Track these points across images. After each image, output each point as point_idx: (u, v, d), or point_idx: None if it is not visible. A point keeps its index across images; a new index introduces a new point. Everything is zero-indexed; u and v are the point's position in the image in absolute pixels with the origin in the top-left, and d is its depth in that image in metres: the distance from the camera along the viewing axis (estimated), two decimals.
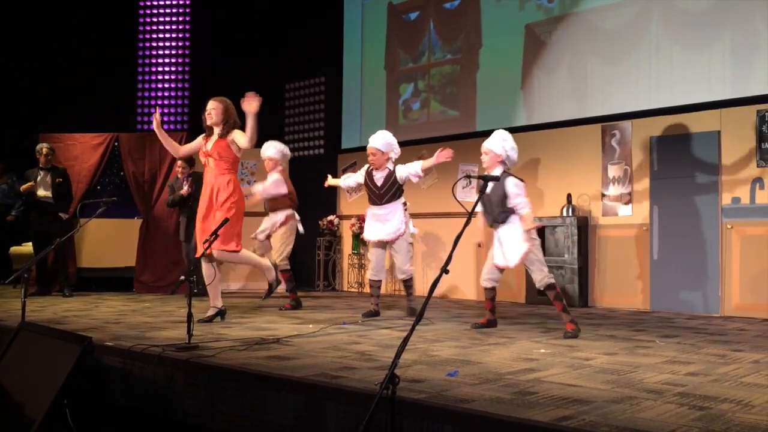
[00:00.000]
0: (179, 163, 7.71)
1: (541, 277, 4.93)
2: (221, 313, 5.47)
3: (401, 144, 9.04)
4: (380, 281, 6.04)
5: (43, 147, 7.87)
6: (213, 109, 5.38)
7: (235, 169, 5.46)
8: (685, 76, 6.71)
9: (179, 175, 7.78)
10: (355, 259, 9.24)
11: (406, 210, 6.07)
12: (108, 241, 8.38)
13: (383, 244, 5.94)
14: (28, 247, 9.01)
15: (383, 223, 5.89)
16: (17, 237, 9.21)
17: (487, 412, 2.55)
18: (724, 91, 6.47)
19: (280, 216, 6.62)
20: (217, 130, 5.37)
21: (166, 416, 3.66)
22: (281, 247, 6.59)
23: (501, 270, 5.22)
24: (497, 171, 5.08)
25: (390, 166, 5.92)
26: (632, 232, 6.96)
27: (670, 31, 6.83)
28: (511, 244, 5.00)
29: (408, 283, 6.03)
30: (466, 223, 3.15)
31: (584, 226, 7.19)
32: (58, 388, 3.23)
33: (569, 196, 7.30)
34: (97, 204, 7.19)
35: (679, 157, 6.68)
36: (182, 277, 4.30)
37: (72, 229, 7.95)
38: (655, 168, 6.84)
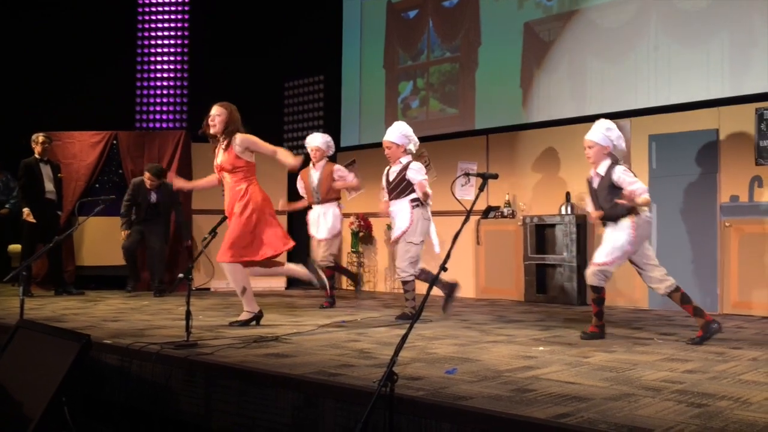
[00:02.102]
0: (147, 175, 7.63)
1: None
2: (257, 318, 5.11)
3: None
4: (410, 281, 5.56)
5: (39, 136, 7.57)
6: (217, 116, 5.01)
7: (251, 175, 5.07)
8: (683, 75, 6.71)
9: (148, 186, 7.66)
10: (354, 257, 9.24)
11: (423, 206, 5.55)
12: (107, 239, 8.37)
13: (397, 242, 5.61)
14: None
15: (395, 219, 5.60)
16: (16, 235, 9.20)
17: (485, 410, 2.55)
18: (723, 89, 6.47)
19: (335, 209, 6.65)
20: (221, 140, 5.05)
21: (164, 414, 3.67)
22: (334, 243, 6.68)
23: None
24: (604, 165, 4.55)
25: (405, 159, 5.62)
26: None
27: (669, 29, 6.83)
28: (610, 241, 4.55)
29: (405, 287, 5.62)
30: (465, 221, 3.16)
31: (583, 225, 7.19)
32: (56, 386, 3.23)
33: (568, 194, 7.31)
34: (96, 202, 7.19)
35: (677, 156, 6.68)
36: (180, 275, 4.30)
37: (66, 226, 7.97)
38: (654, 166, 6.84)
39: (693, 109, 6.62)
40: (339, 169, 6.79)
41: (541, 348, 4.11)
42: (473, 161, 8.20)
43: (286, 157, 4.97)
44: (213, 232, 4.66)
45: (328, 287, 6.37)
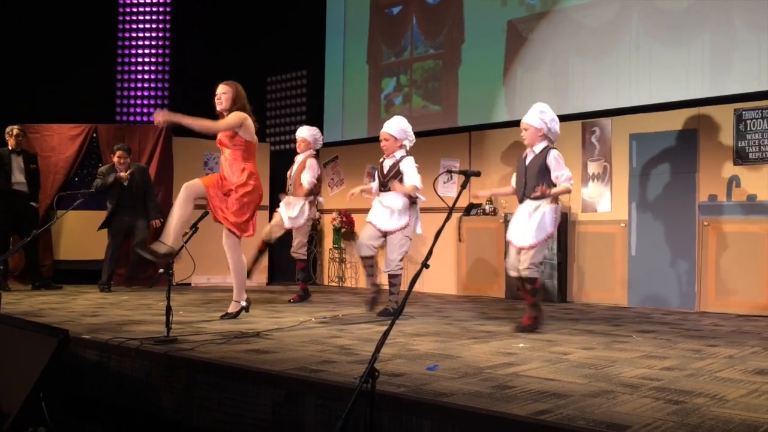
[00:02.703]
0: (119, 153, 7.45)
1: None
2: (246, 308, 5.24)
3: None
4: (372, 257, 5.64)
5: (13, 128, 7.47)
6: (223, 94, 5.07)
7: (250, 156, 5.11)
8: (664, 75, 6.77)
9: (117, 165, 7.46)
10: (336, 253, 9.23)
11: (414, 204, 5.65)
12: (85, 233, 8.27)
13: (381, 231, 5.62)
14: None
15: (384, 210, 5.59)
16: None
17: (465, 406, 2.56)
18: (703, 89, 6.54)
19: (304, 203, 6.56)
20: (225, 115, 5.07)
21: (144, 410, 3.64)
22: (303, 236, 6.68)
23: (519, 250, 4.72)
24: (540, 146, 4.78)
25: (399, 154, 5.65)
26: (611, 229, 7.02)
27: (650, 29, 6.89)
28: (534, 224, 4.66)
29: (392, 281, 5.65)
30: (447, 218, 3.16)
31: (564, 222, 7.24)
32: (33, 382, 3.19)
33: None
34: (75, 195, 7.09)
35: (657, 155, 6.75)
36: (161, 270, 4.27)
37: (45, 220, 7.86)
38: (634, 165, 6.91)
39: (673, 108, 6.69)
40: (309, 169, 6.64)
41: (521, 345, 4.13)
42: (456, 158, 8.23)
43: (212, 125, 4.99)
44: (194, 227, 4.62)
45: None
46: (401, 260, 5.57)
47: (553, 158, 4.73)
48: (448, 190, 8.00)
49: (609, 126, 7.12)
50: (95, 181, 7.55)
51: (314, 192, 6.69)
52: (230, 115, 5.02)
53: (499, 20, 8.01)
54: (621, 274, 6.91)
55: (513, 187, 4.99)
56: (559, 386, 2.94)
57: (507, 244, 5.00)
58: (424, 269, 2.92)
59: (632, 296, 6.82)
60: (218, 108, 5.12)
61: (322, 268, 9.53)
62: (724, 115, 6.38)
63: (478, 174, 3.61)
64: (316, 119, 9.80)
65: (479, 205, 7.86)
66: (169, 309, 3.98)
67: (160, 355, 3.64)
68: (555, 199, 4.77)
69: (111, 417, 3.78)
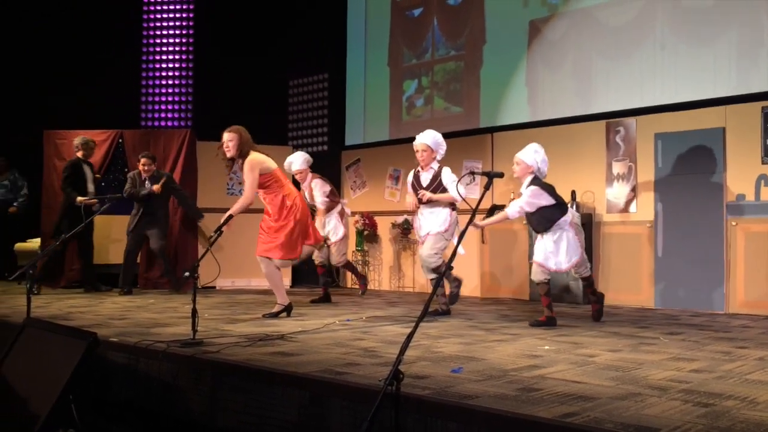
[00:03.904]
0: (143, 161, 7.63)
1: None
2: (287, 309, 5.61)
3: (405, 141, 9.02)
4: (439, 265, 5.73)
5: (85, 138, 7.79)
6: (230, 141, 5.40)
7: (279, 185, 5.50)
8: (689, 73, 6.69)
9: (143, 173, 7.65)
10: (359, 255, 9.24)
11: (455, 209, 5.84)
12: (113, 237, 8.39)
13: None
14: (33, 243, 9.04)
15: (426, 220, 5.82)
16: (23, 233, 9.25)
17: (491, 409, 2.55)
18: (729, 87, 6.44)
19: (333, 217, 7.11)
20: (238, 161, 5.45)
21: (170, 412, 3.68)
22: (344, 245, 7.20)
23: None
24: (527, 181, 5.28)
25: (435, 165, 5.86)
26: (636, 229, 6.95)
27: (675, 27, 6.81)
28: (562, 250, 5.25)
29: (439, 273, 5.65)
30: (470, 220, 3.15)
31: (588, 223, 7.18)
32: (63, 384, 3.24)
33: (573, 192, 7.28)
34: (102, 200, 7.20)
35: (683, 154, 6.67)
36: (186, 273, 4.31)
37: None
38: (660, 165, 6.82)
39: (699, 107, 6.60)
40: (317, 190, 7.09)
41: (546, 347, 4.10)
42: (478, 160, 8.20)
43: (241, 207, 5.35)
44: (218, 231, 4.67)
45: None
46: (436, 254, 5.68)
47: (524, 190, 5.25)
48: (471, 191, 7.98)
49: (634, 125, 7.04)
50: (126, 186, 7.69)
51: (334, 204, 7.13)
52: (245, 174, 5.38)
53: (521, 20, 7.96)
54: (647, 275, 6.83)
55: (506, 214, 5.34)
56: (586, 389, 2.92)
57: (533, 263, 5.44)
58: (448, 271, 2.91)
59: (659, 298, 6.73)
60: (228, 155, 5.42)
61: (346, 270, 9.54)
62: (751, 114, 6.28)
63: (501, 175, 3.60)
64: (337, 122, 9.85)
65: (502, 206, 7.81)
66: (194, 312, 4.02)
67: (186, 357, 3.68)
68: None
69: (139, 419, 3.82)
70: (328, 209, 7.08)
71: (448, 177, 5.79)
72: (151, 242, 7.71)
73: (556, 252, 5.23)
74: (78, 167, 7.65)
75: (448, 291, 5.93)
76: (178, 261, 8.23)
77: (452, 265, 2.95)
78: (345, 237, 7.23)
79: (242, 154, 5.39)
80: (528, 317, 5.84)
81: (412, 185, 5.95)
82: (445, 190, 5.76)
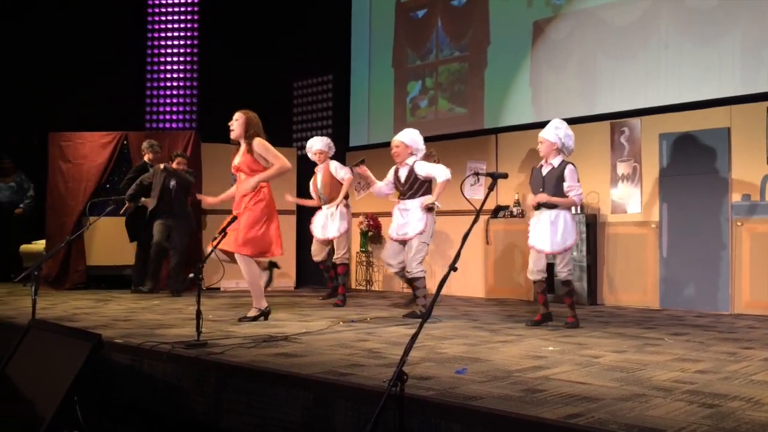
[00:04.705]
0: (178, 159, 7.71)
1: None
2: (265, 314, 5.35)
3: None
4: (400, 271, 5.84)
5: (151, 142, 8.00)
6: (236, 120, 5.26)
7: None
8: (694, 73, 6.67)
9: (180, 169, 7.70)
10: (363, 257, 9.24)
11: (430, 210, 5.76)
12: (117, 239, 8.40)
13: (401, 241, 5.79)
14: (38, 245, 9.07)
15: (404, 218, 5.76)
16: (29, 235, 9.28)
17: (495, 410, 2.55)
18: (734, 87, 6.43)
19: (342, 206, 6.82)
20: (242, 143, 5.28)
21: (174, 414, 3.68)
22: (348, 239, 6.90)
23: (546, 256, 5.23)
24: (556, 160, 5.19)
25: (411, 160, 5.84)
26: (641, 230, 6.93)
27: (679, 27, 6.79)
28: (559, 231, 5.11)
29: (416, 284, 5.69)
30: (474, 221, 3.15)
31: (593, 224, 7.17)
32: (68, 386, 3.24)
33: None
34: (106, 202, 7.24)
35: (688, 154, 6.65)
36: (191, 275, 4.31)
37: (77, 226, 8.02)
38: (665, 165, 6.81)
39: (704, 107, 6.59)
40: (337, 167, 6.96)
41: (551, 348, 4.09)
42: (482, 161, 8.19)
43: (280, 171, 5.23)
44: (223, 232, 4.67)
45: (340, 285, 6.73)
46: (420, 264, 5.66)
47: (569, 172, 5.15)
48: (475, 192, 7.97)
49: (638, 126, 7.03)
50: (134, 191, 7.70)
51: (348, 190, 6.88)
52: (262, 153, 5.21)
53: (525, 21, 7.96)
54: (652, 275, 6.82)
55: (574, 200, 5.18)
56: (591, 390, 2.91)
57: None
58: (453, 272, 2.90)
59: (664, 298, 6.71)
60: (232, 135, 5.31)
61: (350, 271, 9.54)
62: (756, 113, 6.26)
63: (505, 176, 3.59)
64: (342, 123, 9.85)
65: (507, 207, 7.81)
66: (199, 313, 4.03)
67: (190, 359, 3.68)
68: (568, 207, 5.22)
69: (143, 420, 3.83)
70: (346, 195, 6.83)
71: (426, 167, 5.76)
72: (176, 239, 7.68)
73: (554, 233, 5.09)
74: (144, 171, 7.80)
75: (412, 291, 5.94)
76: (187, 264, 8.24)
77: (456, 266, 2.94)
78: (348, 232, 6.92)
79: (248, 136, 5.20)
80: (532, 318, 5.82)
81: (394, 182, 6.00)
82: (422, 185, 5.75)
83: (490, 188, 3.37)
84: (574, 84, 7.53)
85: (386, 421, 2.57)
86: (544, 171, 5.25)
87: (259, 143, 5.21)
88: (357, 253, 9.33)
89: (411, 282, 5.80)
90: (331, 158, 7.09)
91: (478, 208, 3.19)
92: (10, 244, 9.10)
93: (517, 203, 7.74)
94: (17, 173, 9.52)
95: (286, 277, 8.80)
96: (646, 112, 6.98)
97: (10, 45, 10.08)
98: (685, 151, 6.67)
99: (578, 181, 5.16)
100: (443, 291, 2.97)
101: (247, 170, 5.23)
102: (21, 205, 9.36)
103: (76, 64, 10.08)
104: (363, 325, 5.22)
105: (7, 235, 9.14)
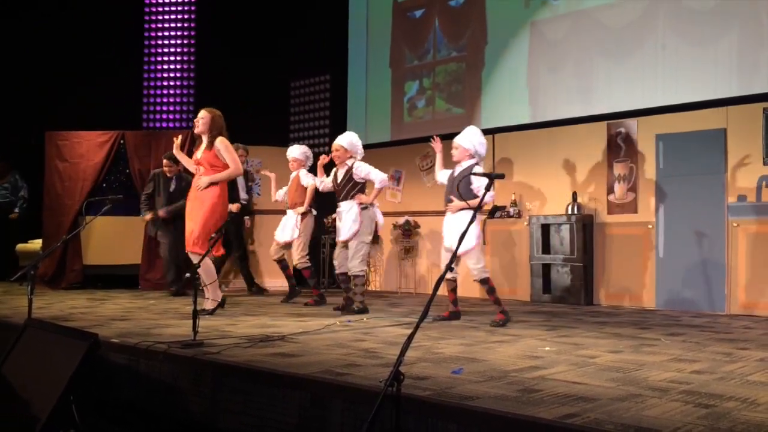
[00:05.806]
0: (166, 162, 7.70)
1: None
2: (221, 303, 5.66)
3: (406, 142, 9.01)
4: (343, 274, 6.14)
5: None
6: (201, 119, 5.62)
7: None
8: (691, 74, 6.68)
9: (168, 174, 7.73)
10: None
11: (365, 209, 5.99)
12: (113, 238, 8.40)
13: (343, 243, 6.06)
14: (34, 245, 9.06)
15: (341, 221, 6.04)
16: (23, 234, 9.26)
17: (491, 410, 2.55)
18: (731, 88, 6.44)
19: (300, 213, 6.89)
20: (204, 139, 5.62)
21: (171, 414, 3.68)
22: (304, 244, 6.91)
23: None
24: (467, 164, 5.46)
25: (350, 162, 6.07)
26: (638, 231, 6.94)
27: (676, 28, 6.80)
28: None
29: (355, 281, 5.98)
30: (471, 221, 3.15)
31: (589, 224, 7.18)
32: (64, 385, 3.24)
33: (575, 194, 7.29)
34: (103, 201, 7.22)
35: (685, 155, 6.66)
36: (187, 275, 4.31)
37: (73, 226, 8.00)
38: (661, 166, 6.82)
39: (700, 108, 6.60)
40: (304, 175, 7.00)
41: (547, 348, 4.10)
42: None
43: (230, 175, 5.66)
44: (220, 233, 4.67)
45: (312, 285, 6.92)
46: (362, 263, 5.95)
47: (474, 172, 5.30)
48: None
49: (635, 126, 7.04)
50: (171, 208, 7.68)
51: (312, 201, 6.89)
52: (222, 151, 5.55)
53: (522, 22, 7.96)
54: (648, 276, 6.83)
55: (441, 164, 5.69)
56: (587, 390, 2.92)
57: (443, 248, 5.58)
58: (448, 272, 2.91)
59: (660, 299, 6.73)
60: (196, 130, 5.68)
61: (316, 271, 9.51)
62: (752, 115, 6.27)
63: (502, 176, 3.60)
64: (339, 123, 9.84)
65: (503, 207, 7.82)
66: (195, 313, 4.02)
67: (187, 358, 3.68)
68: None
69: (140, 420, 3.82)
70: (310, 203, 6.84)
71: (364, 169, 6.00)
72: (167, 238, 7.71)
73: (459, 233, 5.19)
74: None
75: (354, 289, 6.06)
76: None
77: (453, 266, 2.95)
78: (307, 239, 6.93)
79: (212, 135, 5.55)
80: (529, 318, 5.84)
81: (332, 182, 6.23)
82: (355, 186, 5.98)
83: (487, 188, 3.37)
84: (571, 84, 7.54)
85: (383, 421, 2.58)
86: (456, 172, 5.49)
87: (221, 142, 5.56)
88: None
89: (350, 281, 6.05)
90: (310, 169, 7.13)
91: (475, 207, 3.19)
92: (7, 244, 9.09)
93: (514, 204, 7.75)
94: (12, 173, 9.51)
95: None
96: (642, 113, 6.99)
97: (6, 43, 10.06)
98: (681, 152, 6.69)
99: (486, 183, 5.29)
100: (439, 292, 2.97)
101: (207, 165, 5.57)
102: (15, 210, 9.34)
103: (73, 62, 10.06)
104: (360, 325, 5.23)
105: (2, 234, 9.13)
